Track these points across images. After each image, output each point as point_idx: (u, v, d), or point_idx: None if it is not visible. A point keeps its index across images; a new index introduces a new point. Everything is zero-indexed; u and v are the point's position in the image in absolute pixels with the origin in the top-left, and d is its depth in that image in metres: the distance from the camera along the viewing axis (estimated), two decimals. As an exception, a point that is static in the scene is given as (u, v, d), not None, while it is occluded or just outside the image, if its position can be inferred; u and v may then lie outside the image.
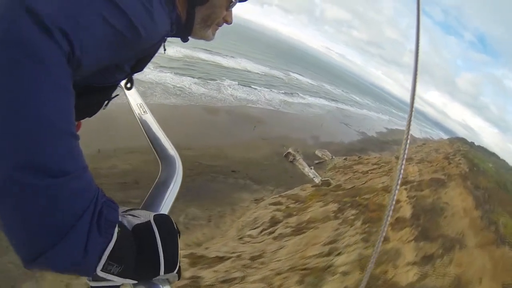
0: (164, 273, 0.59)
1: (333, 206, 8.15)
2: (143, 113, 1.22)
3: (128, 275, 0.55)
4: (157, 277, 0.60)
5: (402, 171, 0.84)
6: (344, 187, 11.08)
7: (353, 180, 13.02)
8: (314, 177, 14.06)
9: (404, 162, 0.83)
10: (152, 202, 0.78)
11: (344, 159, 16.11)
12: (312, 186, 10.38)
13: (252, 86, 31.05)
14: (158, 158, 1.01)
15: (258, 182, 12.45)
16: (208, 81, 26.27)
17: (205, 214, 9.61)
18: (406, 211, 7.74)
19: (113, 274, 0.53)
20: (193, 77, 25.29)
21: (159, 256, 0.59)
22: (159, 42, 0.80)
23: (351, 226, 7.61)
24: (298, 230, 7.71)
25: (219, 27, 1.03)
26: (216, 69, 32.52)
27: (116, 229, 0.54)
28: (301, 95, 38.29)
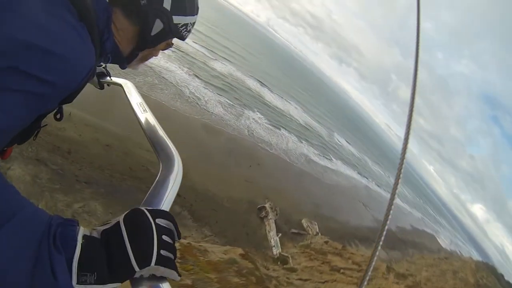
0: (140, 268, 0.57)
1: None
2: (143, 112, 1.22)
3: (105, 280, 0.55)
4: (139, 274, 0.58)
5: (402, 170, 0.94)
6: (288, 276, 8.10)
7: (313, 273, 9.92)
8: (273, 246, 11.12)
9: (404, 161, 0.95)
10: (152, 201, 0.77)
11: (325, 242, 12.84)
12: (240, 254, 7.56)
13: (281, 130, 28.83)
14: (158, 156, 0.99)
15: (199, 219, 9.89)
16: (235, 105, 24.63)
17: (104, 216, 7.80)
18: None
19: (91, 284, 0.53)
20: (220, 96, 23.92)
21: (128, 253, 0.57)
22: (87, 75, 0.78)
23: None
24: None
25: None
26: (254, 100, 31.00)
27: (80, 241, 0.55)
28: (333, 159, 34.87)
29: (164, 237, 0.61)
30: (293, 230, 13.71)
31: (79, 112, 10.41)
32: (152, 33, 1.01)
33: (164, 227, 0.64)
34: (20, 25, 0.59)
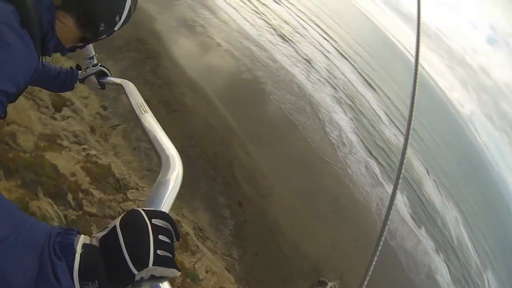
0: (138, 270, 0.57)
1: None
2: (143, 113, 1.23)
3: (107, 287, 0.56)
4: (139, 276, 0.58)
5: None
6: None
7: None
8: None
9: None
10: (153, 201, 0.78)
11: None
12: None
13: (421, 229, 23.33)
14: (158, 157, 1.00)
15: (239, 238, 8.46)
16: (381, 175, 21.53)
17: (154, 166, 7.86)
18: None
19: None
20: (371, 159, 21.42)
21: (124, 258, 0.57)
22: (31, 78, 0.86)
23: None
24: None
25: None
26: (408, 184, 26.18)
27: (79, 250, 0.56)
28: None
29: (161, 236, 0.60)
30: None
31: (210, 93, 11.18)
32: (96, 39, 1.17)
33: (162, 227, 0.62)
34: None
